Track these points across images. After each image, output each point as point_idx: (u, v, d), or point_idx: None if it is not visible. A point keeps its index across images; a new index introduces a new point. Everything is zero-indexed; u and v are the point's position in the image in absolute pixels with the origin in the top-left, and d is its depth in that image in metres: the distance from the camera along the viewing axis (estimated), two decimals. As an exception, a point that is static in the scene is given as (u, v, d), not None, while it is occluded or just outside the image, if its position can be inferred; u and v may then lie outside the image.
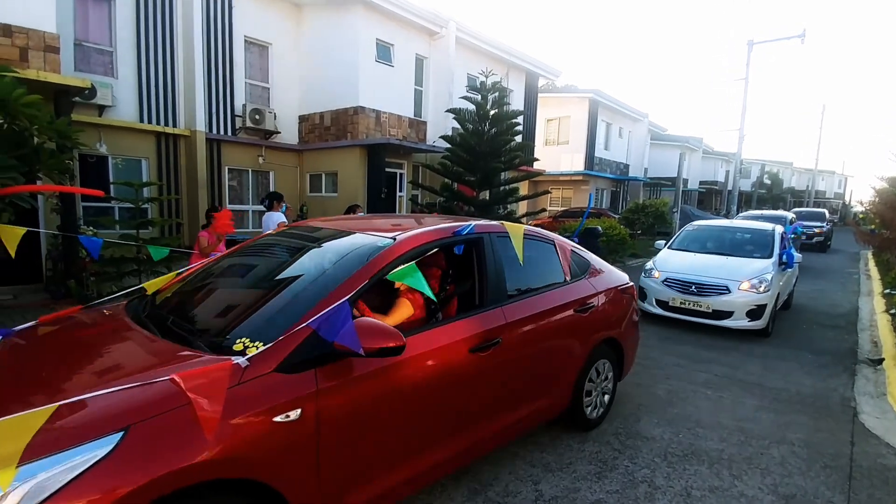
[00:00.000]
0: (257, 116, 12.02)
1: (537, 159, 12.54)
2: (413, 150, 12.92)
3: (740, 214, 14.35)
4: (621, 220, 16.87)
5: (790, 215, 13.44)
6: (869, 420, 4.04)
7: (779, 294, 6.41)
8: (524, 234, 2.98)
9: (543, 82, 19.47)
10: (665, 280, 6.57)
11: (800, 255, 7.46)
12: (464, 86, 11.47)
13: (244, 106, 11.99)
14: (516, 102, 16.71)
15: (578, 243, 11.14)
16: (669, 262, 6.97)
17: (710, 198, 38.49)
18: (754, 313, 5.97)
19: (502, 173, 11.38)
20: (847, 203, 51.84)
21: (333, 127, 12.74)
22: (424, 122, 14.14)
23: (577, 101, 22.13)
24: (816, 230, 17.70)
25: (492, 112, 10.39)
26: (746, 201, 36.51)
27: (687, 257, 7.04)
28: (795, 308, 8.23)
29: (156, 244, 5.14)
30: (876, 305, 8.52)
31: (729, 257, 6.81)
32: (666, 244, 7.86)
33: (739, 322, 6.02)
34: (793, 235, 7.92)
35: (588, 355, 3.39)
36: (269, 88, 12.82)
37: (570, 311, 3.26)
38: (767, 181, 40.90)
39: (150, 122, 10.74)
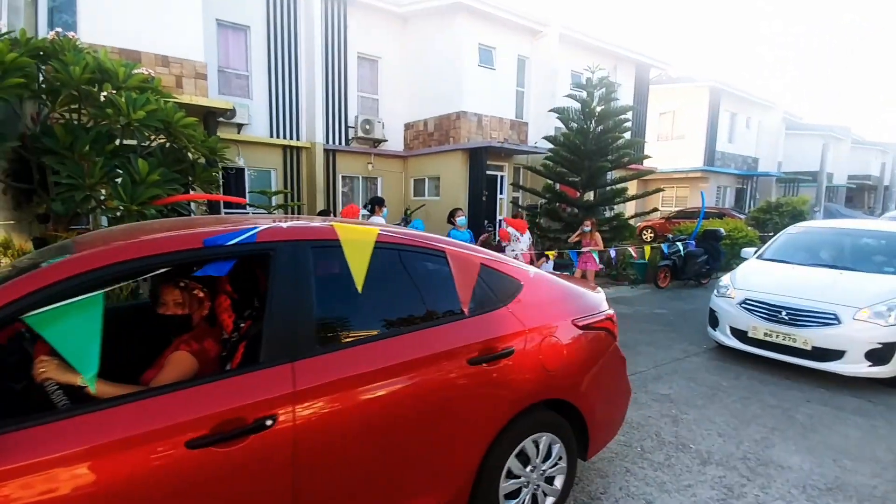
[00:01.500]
0: (367, 126, 12.84)
1: (648, 156, 11.68)
2: (514, 151, 12.81)
3: (887, 214, 11.46)
4: (749, 220, 15.02)
5: None
6: None
7: None
8: (377, 241, 1.88)
9: (655, 73, 18.08)
10: (744, 302, 4.90)
11: None
12: (568, 84, 11.11)
13: (356, 117, 12.89)
14: (625, 97, 15.74)
15: (696, 246, 9.96)
16: (753, 277, 5.27)
17: (862, 195, 32.65)
18: (878, 354, 4.16)
19: (609, 173, 10.81)
20: None
21: (437, 132, 13.13)
22: (526, 124, 13.95)
23: (694, 90, 20.21)
24: None
25: (598, 109, 9.92)
26: (914, 197, 30.30)
27: (781, 271, 5.25)
28: None
29: None
30: None
31: (845, 272, 4.93)
32: (756, 252, 6.09)
33: (854, 367, 4.24)
34: None
35: (503, 430, 2.14)
36: (377, 99, 13.62)
37: (458, 362, 2.03)
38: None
39: (278, 136, 12.02)
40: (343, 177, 13.27)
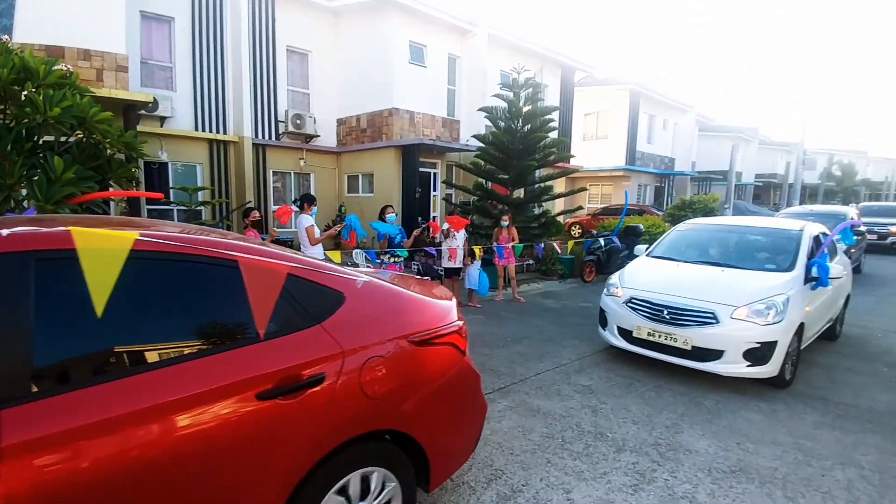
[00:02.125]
0: (298, 121, 12.39)
1: (573, 156, 12.19)
2: (446, 149, 12.89)
3: (783, 210, 12.26)
4: (666, 216, 16.09)
5: (852, 212, 11.32)
6: None
7: (802, 325, 4.43)
8: (137, 250, 1.43)
9: (581, 76, 18.91)
10: (629, 301, 4.76)
11: (841, 268, 5.14)
12: (497, 83, 11.32)
13: (286, 112, 12.42)
14: (551, 98, 16.34)
15: (619, 241, 10.43)
16: (640, 275, 5.13)
17: (768, 192, 36.13)
18: (757, 354, 4.08)
19: (537, 171, 11.12)
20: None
21: (369, 129, 12.92)
22: (457, 122, 14.08)
23: (616, 93, 21.37)
24: (892, 229, 14.81)
25: (524, 109, 10.17)
26: (811, 195, 34.02)
27: (666, 269, 5.13)
28: (855, 336, 6.25)
29: None
30: None
31: (728, 270, 4.85)
32: (647, 249, 5.89)
33: (733, 367, 4.15)
34: (841, 240, 5.74)
35: (317, 468, 1.83)
36: (308, 94, 13.19)
37: (243, 398, 1.66)
38: (837, 172, 37.81)
39: (203, 130, 11.46)
40: (274, 172, 12.77)
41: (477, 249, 7.53)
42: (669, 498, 2.76)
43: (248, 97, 11.70)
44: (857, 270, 9.85)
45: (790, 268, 4.75)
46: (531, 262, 10.82)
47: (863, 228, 10.95)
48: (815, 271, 4.65)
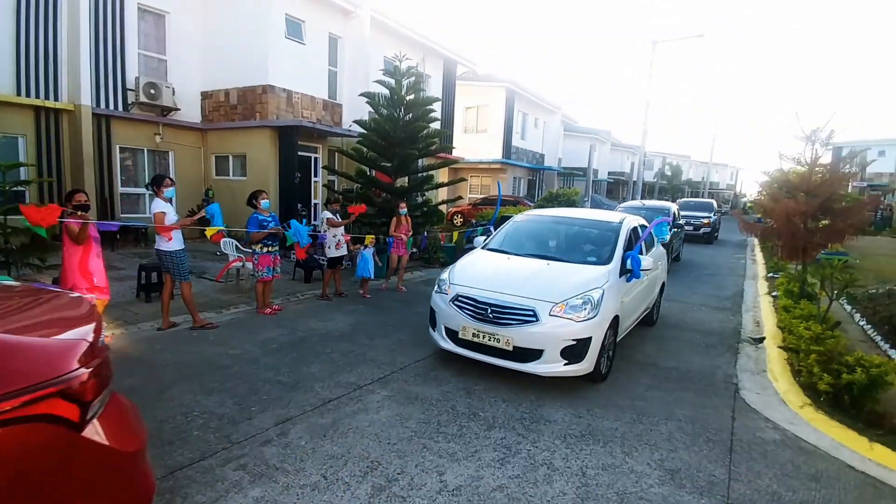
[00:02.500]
0: (153, 91, 10.84)
1: (455, 147, 12.58)
2: (328, 133, 12.39)
3: (621, 205, 13.38)
4: (537, 207, 17.55)
5: (674, 207, 12.49)
6: (749, 396, 4.31)
7: (617, 318, 4.47)
8: None
9: (462, 70, 19.53)
10: (456, 299, 4.43)
11: (651, 260, 5.11)
12: (380, 69, 11.14)
13: (137, 79, 10.77)
14: (434, 89, 16.61)
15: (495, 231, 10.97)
16: (470, 270, 4.83)
17: (618, 188, 41.33)
18: (573, 351, 4.00)
19: (420, 160, 11.26)
20: (738, 193, 58.26)
21: (240, 105, 11.83)
22: (340, 105, 13.60)
23: (494, 90, 22.52)
24: (704, 221, 16.93)
25: (407, 97, 10.19)
26: (650, 191, 39.71)
27: (497, 263, 4.92)
28: (677, 310, 7.28)
29: (27, 235, 4.42)
30: (759, 288, 9.36)
31: (554, 263, 4.78)
32: (484, 242, 5.66)
33: (551, 367, 4.02)
34: (656, 234, 6.13)
35: None
36: (166, 61, 11.59)
37: None
38: (668, 173, 44.72)
39: (28, 95, 9.47)
40: (122, 148, 11.05)
41: (369, 238, 7.38)
42: (531, 466, 3.05)
43: (86, 59, 9.87)
44: (677, 259, 11.58)
45: (608, 261, 4.77)
46: (415, 249, 10.99)
47: (682, 222, 12.61)
48: (629, 264, 4.74)
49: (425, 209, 11.01)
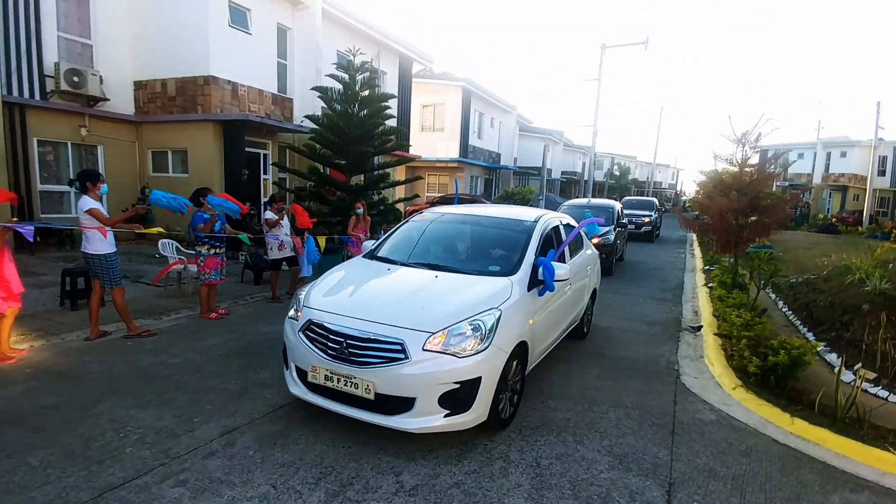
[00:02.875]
0: (76, 78, 9.95)
1: (411, 145, 12.46)
2: (278, 129, 11.92)
3: (566, 202, 13.14)
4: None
5: (618, 205, 12.37)
6: (689, 380, 4.57)
7: (524, 344, 3.51)
8: None
9: (419, 68, 19.41)
10: (307, 327, 3.30)
11: (566, 268, 3.99)
12: (332, 63, 10.82)
13: (56, 64, 9.82)
14: (390, 86, 16.40)
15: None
16: (334, 286, 3.72)
17: (571, 186, 42.62)
18: (456, 397, 2.99)
19: (375, 158, 11.06)
20: (679, 192, 61.81)
21: (179, 97, 11.13)
22: (290, 100, 13.11)
23: (451, 88, 22.56)
24: (645, 219, 17.07)
25: (361, 93, 9.97)
26: (600, 190, 41.20)
27: (373, 276, 3.90)
28: (625, 303, 7.51)
29: None
30: (698, 280, 9.95)
31: (444, 275, 3.71)
32: (373, 246, 4.53)
33: (427, 420, 2.98)
34: (590, 234, 5.66)
35: None
36: (91, 46, 10.68)
37: None
38: (616, 172, 46.65)
39: None
40: (41, 142, 10.07)
41: (321, 240, 7.11)
42: (487, 461, 3.05)
43: (-6, 39, 8.90)
44: (621, 258, 11.74)
45: (513, 270, 3.76)
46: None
47: (625, 221, 12.34)
48: (541, 273, 3.75)
49: (381, 207, 10.83)
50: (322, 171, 10.34)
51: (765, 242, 8.40)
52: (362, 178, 10.98)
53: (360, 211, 7.94)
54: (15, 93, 9.43)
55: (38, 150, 9.98)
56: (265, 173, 12.36)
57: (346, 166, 10.16)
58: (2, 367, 4.08)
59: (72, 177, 9.18)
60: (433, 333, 3.04)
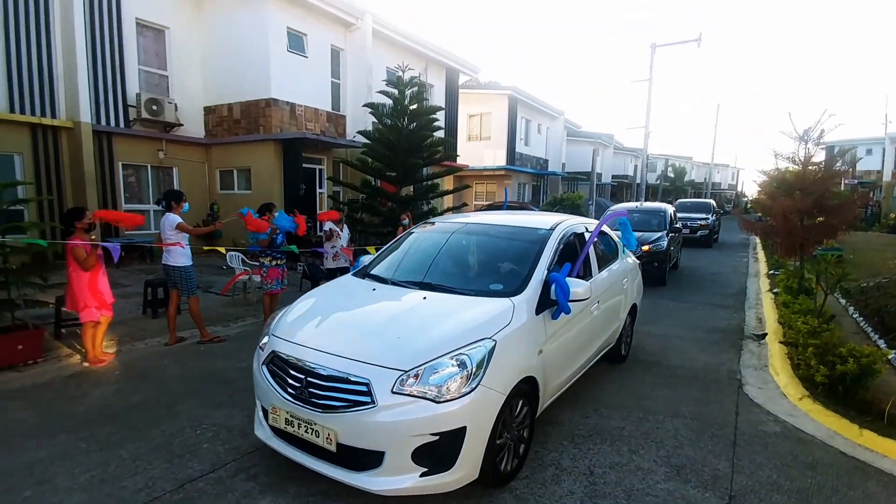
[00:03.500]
0: (155, 107, 10.98)
1: (459, 155, 12.66)
2: (332, 145, 12.49)
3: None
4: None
5: (670, 209, 11.30)
6: (752, 390, 4.40)
7: (532, 380, 2.91)
8: None
9: (465, 78, 19.68)
10: (271, 360, 2.86)
11: (584, 286, 3.17)
12: (382, 80, 11.26)
13: (138, 95, 10.91)
14: (437, 98, 16.73)
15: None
16: (309, 309, 3.22)
17: (622, 191, 41.30)
18: (435, 453, 2.43)
19: (424, 169, 11.34)
20: (740, 193, 58.25)
21: (244, 119, 11.96)
22: (343, 116, 13.71)
23: (497, 97, 22.65)
24: (701, 223, 15.42)
25: (410, 107, 10.28)
26: (653, 193, 39.67)
27: (354, 297, 3.37)
28: (682, 309, 7.08)
29: (28, 254, 4.48)
30: (761, 285, 9.41)
31: (434, 296, 3.14)
32: (372, 260, 4.01)
33: (397, 480, 2.43)
34: (629, 244, 4.71)
35: None
36: (167, 76, 11.75)
37: None
38: (671, 174, 44.66)
39: (23, 112, 9.54)
40: (125, 165, 11.14)
41: (371, 249, 7.37)
42: (539, 467, 3.05)
43: (84, 75, 9.96)
44: (675, 266, 10.85)
45: (519, 289, 3.10)
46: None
47: (678, 225, 11.28)
48: (555, 292, 3.09)
49: (431, 217, 11.06)
50: (373, 183, 10.72)
51: (833, 244, 7.84)
52: (411, 190, 11.27)
53: (406, 222, 8.13)
54: (103, 122, 10.56)
55: (122, 173, 11.07)
56: (321, 187, 12.97)
57: (397, 178, 10.48)
58: (96, 369, 4.57)
59: (158, 196, 10.17)
60: (405, 372, 2.45)
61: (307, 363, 2.65)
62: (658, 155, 44.77)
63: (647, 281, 8.41)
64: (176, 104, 11.51)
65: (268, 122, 11.59)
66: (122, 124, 10.89)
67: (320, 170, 12.95)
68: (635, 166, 37.24)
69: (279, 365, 2.78)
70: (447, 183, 15.99)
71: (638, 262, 5.57)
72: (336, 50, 13.33)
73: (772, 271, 10.30)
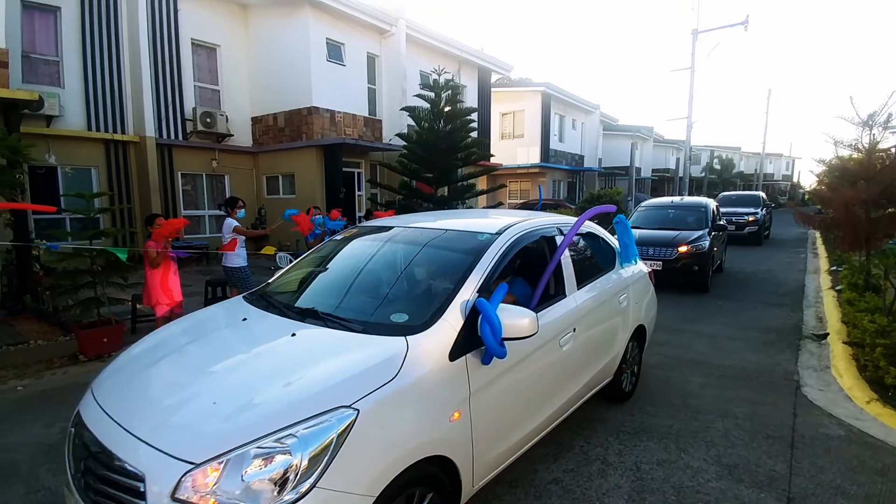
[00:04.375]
0: (208, 119, 11.70)
1: (493, 154, 12.78)
2: (369, 148, 12.88)
3: (643, 203, 10.30)
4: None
5: (712, 203, 9.68)
6: (812, 392, 4.17)
7: (449, 463, 2.00)
8: None
9: (497, 77, 19.71)
10: (76, 421, 2.02)
11: (529, 316, 2.14)
12: (417, 83, 11.53)
13: (194, 109, 11.67)
14: (470, 98, 16.88)
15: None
16: (142, 352, 2.39)
17: (663, 185, 39.91)
18: None
19: (460, 169, 11.52)
20: (796, 184, 54.76)
21: (288, 128, 12.53)
22: (380, 121, 14.10)
23: (529, 94, 22.51)
24: (748, 218, 13.81)
25: (446, 109, 10.48)
26: (698, 187, 38.10)
27: (208, 331, 2.55)
28: (732, 307, 7.10)
29: (105, 258, 5.00)
30: (822, 283, 8.86)
31: (311, 330, 2.24)
32: (278, 276, 3.23)
33: None
34: (623, 239, 3.88)
35: None
36: (219, 91, 12.49)
37: None
38: (717, 166, 42.64)
39: (98, 129, 10.46)
40: (183, 174, 11.95)
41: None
42: (584, 461, 3.11)
43: (149, 94, 10.84)
44: (719, 269, 9.79)
45: (428, 323, 2.13)
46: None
47: (722, 222, 9.71)
48: (482, 328, 2.09)
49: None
50: (410, 184, 11.00)
51: (904, 237, 7.36)
52: (447, 190, 11.48)
53: None
54: (164, 135, 11.39)
55: (181, 182, 11.87)
56: (359, 189, 13.40)
57: (433, 179, 10.71)
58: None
59: (217, 202, 10.93)
60: (197, 466, 1.53)
61: (97, 436, 1.80)
62: (702, 146, 42.89)
63: (687, 287, 8.14)
64: (227, 116, 12.22)
65: (310, 129, 12.09)
66: (180, 137, 11.69)
67: (359, 173, 13.38)
68: (677, 159, 35.98)
69: (80, 432, 1.92)
70: (481, 182, 16.11)
71: (648, 270, 4.40)
72: (372, 57, 13.73)
73: (834, 268, 9.76)
